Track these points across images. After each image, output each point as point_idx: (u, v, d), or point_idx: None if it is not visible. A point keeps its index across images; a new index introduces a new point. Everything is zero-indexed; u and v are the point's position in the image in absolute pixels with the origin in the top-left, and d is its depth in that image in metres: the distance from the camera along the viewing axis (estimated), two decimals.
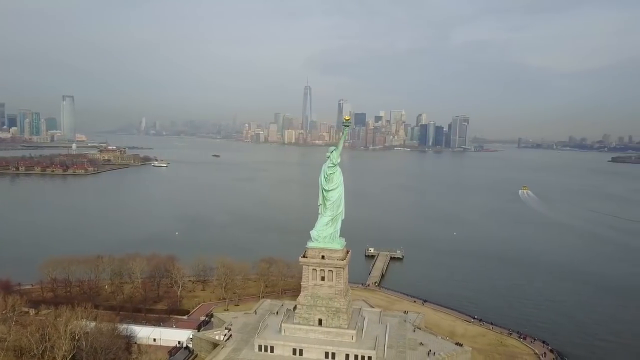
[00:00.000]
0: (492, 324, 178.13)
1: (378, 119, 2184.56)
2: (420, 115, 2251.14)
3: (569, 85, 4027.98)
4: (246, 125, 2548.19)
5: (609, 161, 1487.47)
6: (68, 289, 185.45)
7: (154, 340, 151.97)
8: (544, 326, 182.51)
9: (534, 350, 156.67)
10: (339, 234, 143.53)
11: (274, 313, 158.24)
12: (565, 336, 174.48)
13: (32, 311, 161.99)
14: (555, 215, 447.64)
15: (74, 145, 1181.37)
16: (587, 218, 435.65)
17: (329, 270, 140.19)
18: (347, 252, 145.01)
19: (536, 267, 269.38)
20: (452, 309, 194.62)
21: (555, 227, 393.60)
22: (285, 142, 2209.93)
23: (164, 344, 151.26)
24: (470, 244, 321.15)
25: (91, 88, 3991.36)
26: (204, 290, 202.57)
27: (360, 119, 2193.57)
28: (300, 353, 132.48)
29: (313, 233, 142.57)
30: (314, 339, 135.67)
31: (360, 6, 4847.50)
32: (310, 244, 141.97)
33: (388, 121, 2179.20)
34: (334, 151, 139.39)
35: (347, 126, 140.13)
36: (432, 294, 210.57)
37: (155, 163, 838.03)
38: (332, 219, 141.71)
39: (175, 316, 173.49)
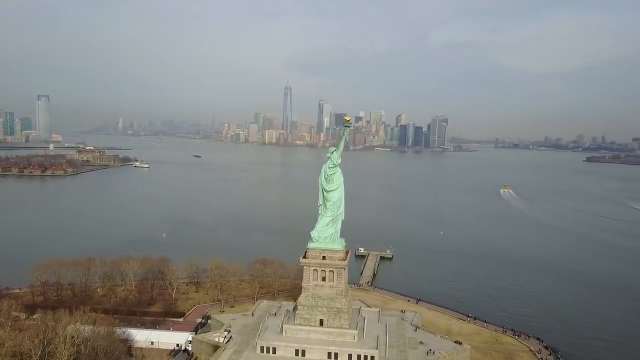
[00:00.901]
0: (486, 322, 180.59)
1: (358, 119, 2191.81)
2: (399, 115, 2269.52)
3: (544, 87, 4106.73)
4: (226, 125, 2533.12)
5: (584, 161, 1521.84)
6: (59, 293, 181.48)
7: (152, 343, 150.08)
8: (534, 323, 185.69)
9: (529, 347, 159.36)
10: (339, 234, 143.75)
11: (272, 314, 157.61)
12: (556, 333, 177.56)
13: (22, 315, 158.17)
14: (538, 215, 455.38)
15: (51, 146, 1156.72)
16: (570, 217, 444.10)
17: (330, 270, 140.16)
18: (347, 252, 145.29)
19: (523, 265, 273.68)
20: (445, 308, 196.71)
21: (540, 226, 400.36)
22: (266, 142, 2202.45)
23: (161, 346, 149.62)
24: (457, 244, 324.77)
25: (66, 87, 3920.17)
26: (198, 292, 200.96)
27: (340, 119, 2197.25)
28: (303, 354, 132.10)
29: (314, 234, 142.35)
30: (315, 340, 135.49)
31: (340, 7, 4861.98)
32: (311, 245, 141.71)
33: (368, 122, 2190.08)
34: (334, 152, 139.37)
35: (348, 127, 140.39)
36: (424, 293, 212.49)
37: (137, 164, 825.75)
38: (333, 219, 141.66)
39: (171, 319, 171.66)
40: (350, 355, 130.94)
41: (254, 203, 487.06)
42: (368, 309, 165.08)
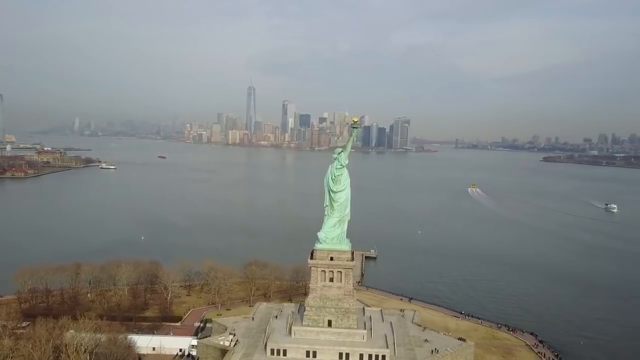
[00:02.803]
0: (479, 318, 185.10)
1: (322, 120, 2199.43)
2: (363, 116, 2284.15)
3: (499, 89, 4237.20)
4: (188, 125, 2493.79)
5: (540, 160, 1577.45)
6: (47, 299, 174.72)
7: (153, 349, 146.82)
8: (523, 319, 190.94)
9: (525, 342, 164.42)
10: (345, 235, 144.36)
11: (274, 317, 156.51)
12: (545, 328, 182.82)
13: (9, 324, 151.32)
14: (508, 213, 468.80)
15: (8, 147, 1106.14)
16: (539, 215, 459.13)
17: (338, 271, 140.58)
18: (353, 253, 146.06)
19: (501, 263, 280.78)
20: (438, 306, 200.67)
21: (511, 224, 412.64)
22: (230, 142, 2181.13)
23: (164, 352, 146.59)
24: (436, 242, 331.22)
25: (19, 86, 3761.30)
26: (190, 295, 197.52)
27: (304, 120, 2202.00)
28: (314, 355, 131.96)
29: (321, 235, 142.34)
30: (325, 341, 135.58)
31: (302, 8, 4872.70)
32: (318, 246, 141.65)
33: (332, 122, 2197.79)
34: (341, 152, 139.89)
35: (356, 128, 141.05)
36: (413, 292, 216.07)
37: (103, 165, 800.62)
38: (340, 220, 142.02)
39: (168, 323, 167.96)
40: (361, 355, 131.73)
41: (228, 204, 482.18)
42: (370, 308, 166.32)
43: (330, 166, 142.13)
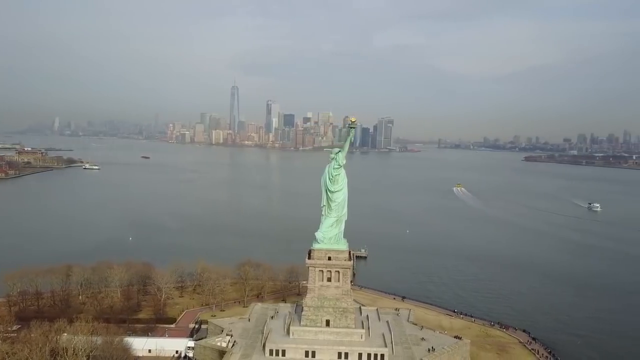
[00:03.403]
0: (472, 316, 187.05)
1: (306, 120, 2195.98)
2: (346, 117, 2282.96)
3: (481, 89, 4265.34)
4: (170, 125, 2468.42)
5: (522, 160, 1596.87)
6: (38, 302, 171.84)
7: (149, 351, 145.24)
8: (514, 316, 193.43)
9: (518, 340, 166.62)
10: (343, 234, 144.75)
11: (271, 317, 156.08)
12: (536, 324, 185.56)
13: (14, 327, 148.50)
14: (494, 212, 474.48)
15: None
16: (524, 214, 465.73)
17: (336, 271, 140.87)
18: (350, 252, 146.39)
19: (490, 261, 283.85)
20: (430, 304, 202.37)
21: (498, 223, 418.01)
22: (213, 142, 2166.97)
23: (160, 354, 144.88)
24: (425, 241, 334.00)
25: None
26: (182, 296, 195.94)
27: (288, 120, 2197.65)
28: (313, 355, 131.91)
29: (318, 234, 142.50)
30: (323, 340, 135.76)
31: (285, 8, 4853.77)
32: (316, 246, 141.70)
33: (316, 122, 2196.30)
34: (339, 152, 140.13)
35: (353, 128, 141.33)
36: (405, 291, 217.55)
37: (87, 166, 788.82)
38: (337, 220, 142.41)
39: (163, 325, 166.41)
40: (360, 355, 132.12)
41: (216, 204, 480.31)
42: (366, 307, 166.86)
43: (327, 166, 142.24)
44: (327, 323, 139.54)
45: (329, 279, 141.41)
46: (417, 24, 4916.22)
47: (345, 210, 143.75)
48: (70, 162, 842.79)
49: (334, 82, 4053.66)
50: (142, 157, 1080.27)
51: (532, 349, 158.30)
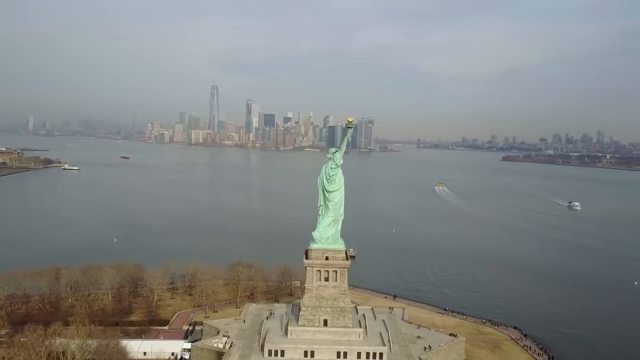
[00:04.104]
0: (463, 314, 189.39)
1: (287, 120, 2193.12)
2: (327, 117, 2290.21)
3: (459, 90, 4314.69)
4: (149, 125, 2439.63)
5: (500, 160, 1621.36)
6: (27, 305, 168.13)
7: (144, 354, 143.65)
8: (502, 313, 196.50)
9: (510, 336, 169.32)
10: (339, 234, 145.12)
11: (266, 318, 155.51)
12: (525, 321, 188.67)
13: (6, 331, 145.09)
14: (476, 211, 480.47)
15: None
16: (505, 212, 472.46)
17: (334, 270, 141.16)
18: (346, 252, 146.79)
19: (476, 260, 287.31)
20: (421, 303, 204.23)
21: (482, 222, 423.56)
22: (192, 142, 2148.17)
23: (155, 356, 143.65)
24: (411, 240, 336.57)
25: None
26: (174, 298, 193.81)
27: (269, 119, 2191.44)
28: (312, 355, 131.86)
29: (315, 234, 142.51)
30: (322, 340, 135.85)
31: (264, 8, 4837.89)
32: (313, 245, 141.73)
33: (297, 122, 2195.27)
34: (336, 152, 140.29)
35: (350, 128, 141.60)
36: (395, 289, 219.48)
37: (66, 166, 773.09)
38: (334, 219, 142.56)
39: (156, 327, 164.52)
40: (359, 354, 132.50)
41: (201, 205, 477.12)
42: (361, 307, 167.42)
43: (324, 166, 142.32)
44: (325, 323, 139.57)
45: (327, 279, 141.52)
46: (396, 25, 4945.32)
47: (342, 210, 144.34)
48: (48, 162, 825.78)
49: (314, 82, 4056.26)
50: (122, 157, 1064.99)
51: (525, 346, 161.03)
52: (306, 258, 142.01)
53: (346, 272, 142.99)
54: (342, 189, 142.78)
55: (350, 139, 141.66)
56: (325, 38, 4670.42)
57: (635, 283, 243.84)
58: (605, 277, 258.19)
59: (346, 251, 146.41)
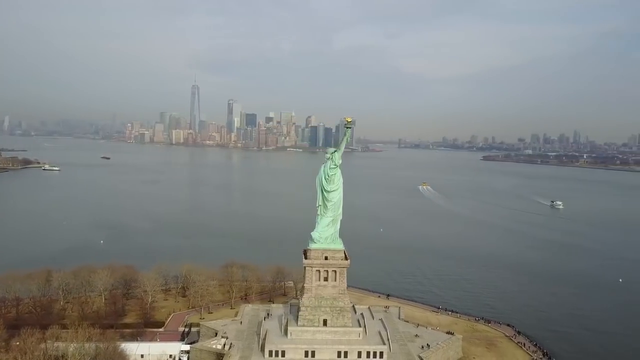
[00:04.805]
0: (457, 312, 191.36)
1: (269, 119, 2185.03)
2: (309, 117, 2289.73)
3: (439, 90, 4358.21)
4: (129, 124, 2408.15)
5: (481, 159, 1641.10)
6: (17, 309, 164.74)
7: (142, 356, 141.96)
8: (494, 311, 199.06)
9: (504, 333, 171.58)
10: (338, 234, 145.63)
11: (264, 318, 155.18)
12: (517, 318, 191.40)
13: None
14: (462, 210, 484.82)
15: None
16: (490, 211, 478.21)
17: (333, 270, 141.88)
18: (345, 252, 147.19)
19: (464, 258, 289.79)
20: (414, 301, 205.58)
21: (467, 221, 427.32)
22: (173, 142, 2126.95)
23: (153, 359, 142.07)
24: (398, 239, 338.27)
25: None
26: (167, 299, 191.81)
27: (250, 119, 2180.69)
28: (313, 355, 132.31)
29: (314, 234, 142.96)
30: (322, 340, 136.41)
31: (244, 7, 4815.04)
32: (312, 245, 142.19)
33: (279, 122, 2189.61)
34: (335, 152, 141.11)
35: (350, 127, 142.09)
36: (386, 289, 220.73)
37: (47, 167, 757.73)
38: (333, 219, 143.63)
39: (151, 329, 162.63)
40: (359, 353, 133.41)
41: (186, 205, 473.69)
42: (359, 306, 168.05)
43: (322, 166, 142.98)
44: (325, 322, 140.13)
45: (326, 279, 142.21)
46: (376, 25, 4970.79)
47: (341, 209, 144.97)
48: (27, 163, 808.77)
49: (296, 82, 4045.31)
50: (103, 157, 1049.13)
51: (519, 342, 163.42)
52: (305, 258, 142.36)
53: (345, 272, 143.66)
54: (341, 189, 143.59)
55: (349, 138, 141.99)
56: (305, 38, 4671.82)
57: (620, 280, 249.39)
58: (591, 274, 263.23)
59: (345, 251, 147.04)
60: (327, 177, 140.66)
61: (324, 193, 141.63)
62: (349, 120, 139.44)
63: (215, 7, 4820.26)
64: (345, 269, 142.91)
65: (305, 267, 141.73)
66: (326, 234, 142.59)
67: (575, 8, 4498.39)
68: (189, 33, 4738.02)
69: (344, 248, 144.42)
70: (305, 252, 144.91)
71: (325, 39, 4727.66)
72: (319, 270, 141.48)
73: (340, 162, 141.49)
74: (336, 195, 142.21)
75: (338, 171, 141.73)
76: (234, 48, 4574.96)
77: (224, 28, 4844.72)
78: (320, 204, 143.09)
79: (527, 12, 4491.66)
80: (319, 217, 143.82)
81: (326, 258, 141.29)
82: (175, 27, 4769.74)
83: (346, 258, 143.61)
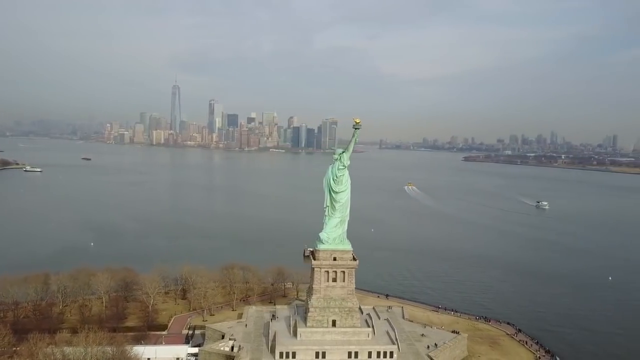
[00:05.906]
0: (457, 311, 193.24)
1: (251, 120, 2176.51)
2: (291, 117, 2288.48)
3: (420, 91, 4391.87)
4: (108, 125, 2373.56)
5: (462, 160, 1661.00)
6: (15, 313, 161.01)
7: (149, 359, 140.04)
8: (492, 309, 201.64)
9: (505, 332, 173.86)
10: (346, 235, 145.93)
11: (270, 320, 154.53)
12: (516, 317, 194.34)
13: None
14: (450, 210, 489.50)
15: None
16: (477, 212, 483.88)
17: (341, 271, 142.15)
18: (353, 252, 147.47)
19: (456, 258, 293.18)
20: (414, 301, 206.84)
21: (455, 221, 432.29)
22: (154, 142, 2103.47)
23: None
24: (390, 240, 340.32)
25: None
26: (167, 302, 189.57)
27: (232, 120, 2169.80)
28: (323, 356, 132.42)
29: (322, 235, 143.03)
30: (332, 341, 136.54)
31: (224, 7, 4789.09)
32: (320, 246, 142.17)
33: (261, 123, 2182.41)
34: (343, 153, 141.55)
35: (358, 128, 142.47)
36: (383, 289, 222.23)
37: (28, 168, 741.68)
38: (341, 220, 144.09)
39: (154, 332, 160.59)
40: (370, 353, 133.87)
41: (172, 207, 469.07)
42: (364, 307, 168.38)
43: (330, 167, 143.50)
44: (334, 323, 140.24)
45: (334, 280, 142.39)
46: (356, 26, 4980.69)
47: (349, 210, 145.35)
48: (5, 163, 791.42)
49: (277, 82, 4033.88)
50: (83, 158, 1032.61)
51: (520, 340, 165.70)
52: (314, 259, 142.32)
53: (354, 273, 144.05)
54: (349, 190, 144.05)
55: (357, 139, 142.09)
56: (286, 38, 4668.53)
57: (610, 278, 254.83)
58: (582, 273, 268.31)
59: (353, 251, 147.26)
60: (335, 178, 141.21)
61: (332, 194, 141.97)
62: (358, 121, 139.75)
63: (195, 7, 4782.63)
64: (353, 269, 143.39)
65: (313, 268, 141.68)
66: (334, 235, 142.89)
67: (554, 11, 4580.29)
68: (169, 32, 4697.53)
69: (351, 249, 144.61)
70: (313, 253, 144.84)
71: (306, 40, 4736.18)
72: (327, 271, 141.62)
73: (349, 162, 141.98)
74: (344, 196, 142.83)
75: (346, 172, 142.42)
76: (214, 48, 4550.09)
77: (205, 28, 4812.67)
78: (327, 204, 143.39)
79: (506, 14, 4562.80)
80: (327, 218, 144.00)
81: (335, 259, 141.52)
82: (155, 27, 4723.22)
83: (354, 259, 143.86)
